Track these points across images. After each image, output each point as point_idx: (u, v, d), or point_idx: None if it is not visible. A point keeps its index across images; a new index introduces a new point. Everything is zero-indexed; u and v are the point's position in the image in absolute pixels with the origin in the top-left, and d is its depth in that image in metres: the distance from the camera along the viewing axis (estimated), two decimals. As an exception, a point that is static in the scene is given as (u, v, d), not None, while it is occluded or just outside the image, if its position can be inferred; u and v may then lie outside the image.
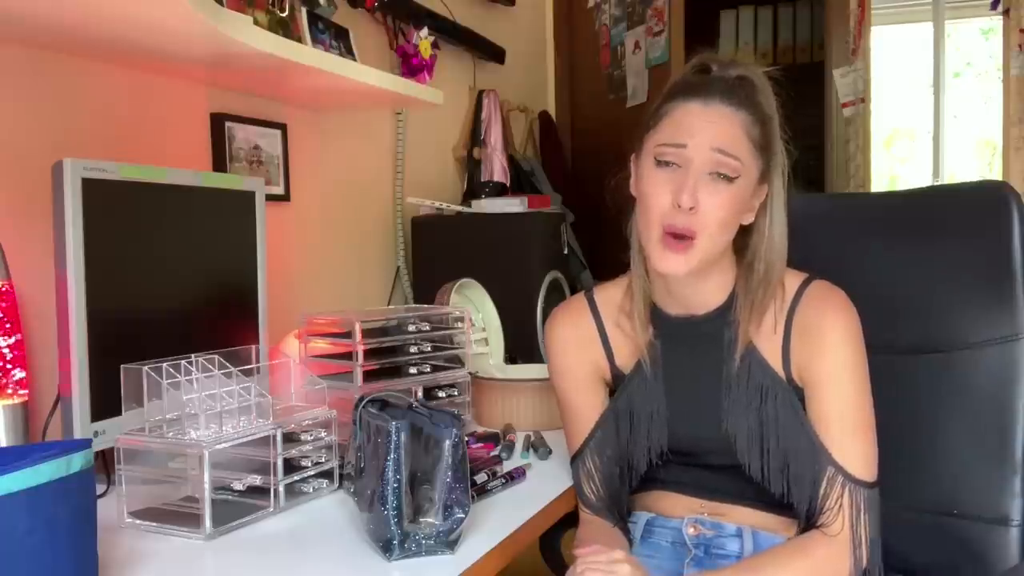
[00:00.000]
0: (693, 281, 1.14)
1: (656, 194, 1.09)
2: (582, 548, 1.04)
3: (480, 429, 1.59)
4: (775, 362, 1.13)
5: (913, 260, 1.28)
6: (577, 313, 1.25)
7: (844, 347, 1.10)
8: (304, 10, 1.64)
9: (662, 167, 1.09)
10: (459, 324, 1.59)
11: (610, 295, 1.24)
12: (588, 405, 1.23)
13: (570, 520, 1.28)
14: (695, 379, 1.17)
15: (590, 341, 1.23)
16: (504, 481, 1.25)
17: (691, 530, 1.19)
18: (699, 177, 1.07)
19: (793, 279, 1.16)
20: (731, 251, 1.16)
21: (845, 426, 1.09)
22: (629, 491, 1.24)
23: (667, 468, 1.20)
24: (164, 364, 1.12)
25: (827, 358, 1.10)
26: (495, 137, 2.57)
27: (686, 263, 1.08)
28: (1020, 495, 1.16)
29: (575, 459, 1.23)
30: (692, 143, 1.08)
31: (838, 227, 1.36)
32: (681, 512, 1.21)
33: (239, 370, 1.17)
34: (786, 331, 1.13)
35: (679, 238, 1.08)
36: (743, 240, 1.15)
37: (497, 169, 2.53)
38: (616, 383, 1.23)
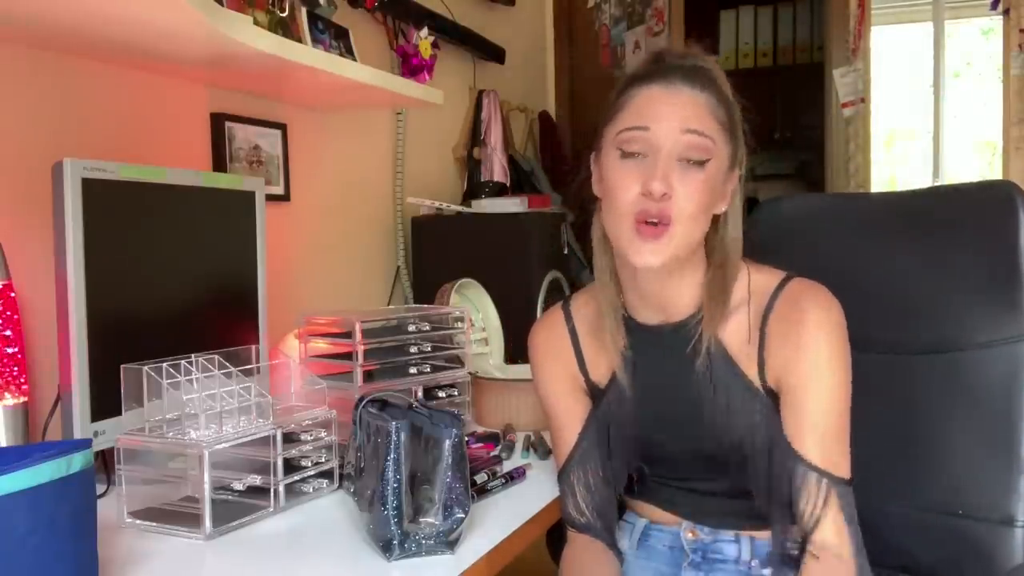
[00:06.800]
0: (666, 279, 1.07)
1: (623, 186, 1.02)
2: None
3: (480, 429, 1.59)
4: (751, 371, 1.07)
5: (918, 260, 1.27)
6: (553, 324, 1.21)
7: (821, 344, 1.03)
8: (304, 10, 1.64)
9: (628, 158, 1.03)
10: (459, 324, 1.59)
11: (585, 304, 1.20)
12: (571, 417, 1.18)
13: (570, 520, 1.27)
14: (672, 391, 1.11)
15: (566, 353, 1.19)
16: (504, 481, 1.25)
17: (689, 534, 1.16)
18: (669, 163, 1.00)
19: (769, 280, 1.09)
20: (703, 251, 1.10)
21: (826, 431, 1.02)
22: (615, 508, 1.19)
23: (659, 489, 1.18)
24: (164, 364, 1.12)
25: (804, 356, 1.03)
26: (495, 137, 2.57)
27: (661, 253, 1.01)
28: (1024, 496, 1.16)
29: (561, 475, 1.18)
30: (657, 127, 1.01)
31: (840, 227, 1.36)
32: (678, 521, 1.18)
33: (239, 370, 1.17)
34: (761, 337, 1.06)
35: (653, 225, 1.00)
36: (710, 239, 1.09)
37: (497, 169, 2.53)
38: (594, 396, 1.18)
